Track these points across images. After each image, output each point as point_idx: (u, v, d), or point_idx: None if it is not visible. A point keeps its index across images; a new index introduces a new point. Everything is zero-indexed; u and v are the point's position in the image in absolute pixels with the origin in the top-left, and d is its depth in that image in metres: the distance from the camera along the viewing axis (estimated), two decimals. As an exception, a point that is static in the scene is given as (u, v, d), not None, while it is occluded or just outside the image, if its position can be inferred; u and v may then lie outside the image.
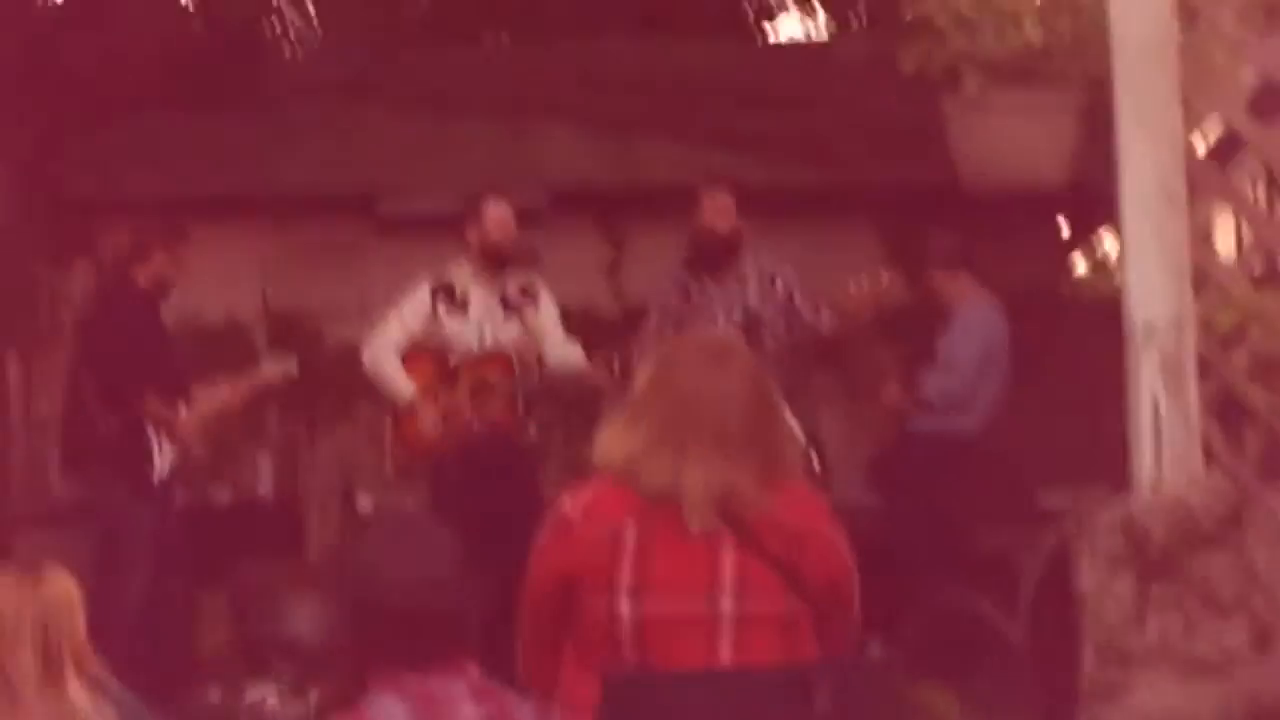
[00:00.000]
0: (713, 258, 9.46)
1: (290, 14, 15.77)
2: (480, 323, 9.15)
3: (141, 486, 9.13)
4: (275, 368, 9.85)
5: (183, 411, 9.25)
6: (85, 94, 11.40)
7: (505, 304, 9.16)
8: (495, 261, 9.20)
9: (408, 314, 9.25)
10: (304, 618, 8.99)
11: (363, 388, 11.61)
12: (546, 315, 9.27)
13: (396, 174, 12.81)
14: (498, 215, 9.29)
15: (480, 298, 9.18)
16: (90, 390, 9.22)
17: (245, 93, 12.88)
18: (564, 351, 9.14)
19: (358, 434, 12.58)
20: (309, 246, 12.78)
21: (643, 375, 4.26)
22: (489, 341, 9.10)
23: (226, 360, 11.92)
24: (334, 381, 12.54)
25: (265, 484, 12.35)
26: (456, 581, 3.67)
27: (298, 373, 9.86)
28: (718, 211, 9.46)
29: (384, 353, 9.16)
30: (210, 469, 12.48)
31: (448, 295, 9.22)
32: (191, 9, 13.74)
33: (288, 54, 15.50)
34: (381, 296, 10.18)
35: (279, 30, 15.72)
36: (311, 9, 15.98)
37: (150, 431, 9.11)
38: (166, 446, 9.17)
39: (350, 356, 12.54)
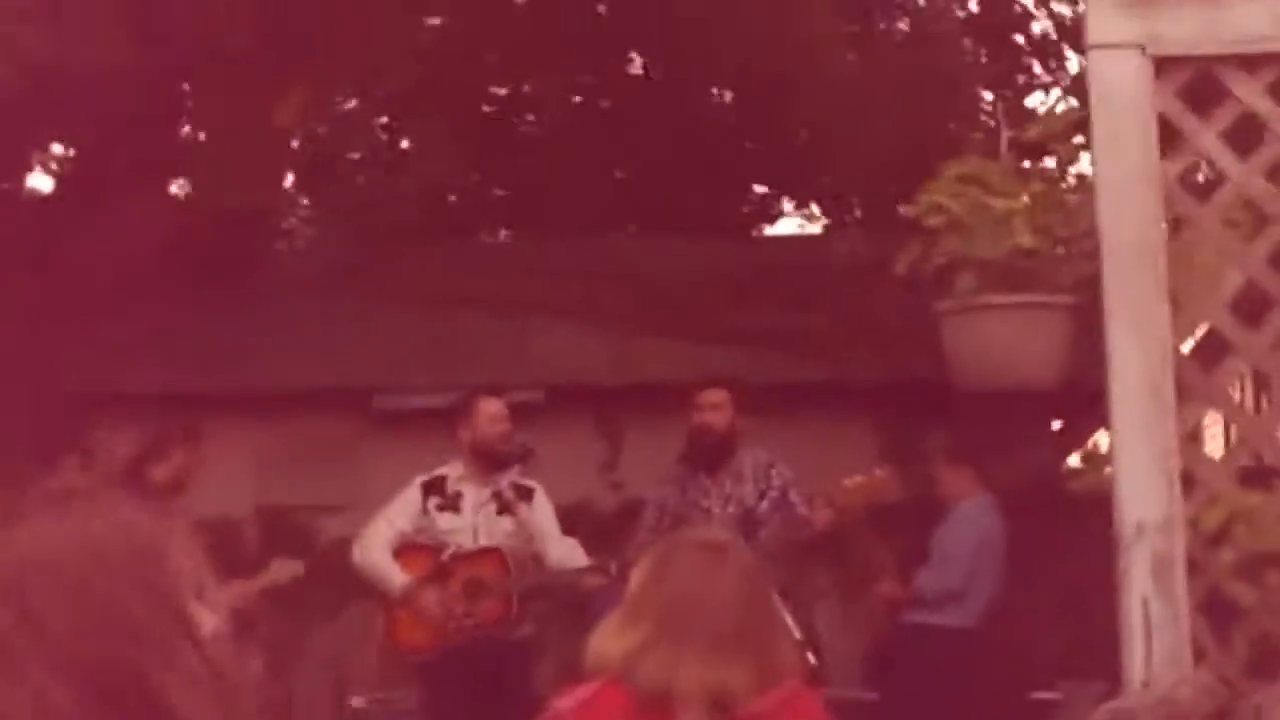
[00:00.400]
0: (709, 455, 9.55)
1: (290, 209, 16.03)
2: (473, 520, 9.15)
3: None
4: (284, 569, 9.93)
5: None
6: (82, 287, 11.53)
7: (499, 501, 9.16)
8: (488, 459, 9.22)
9: (395, 512, 9.24)
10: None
11: (355, 585, 11.72)
12: (542, 513, 9.23)
13: (394, 369, 12.94)
14: (490, 412, 9.34)
15: (472, 495, 9.19)
16: None
17: (242, 287, 13.04)
18: (563, 550, 9.13)
19: (350, 632, 12.63)
20: (304, 441, 12.89)
21: (639, 574, 4.35)
22: (482, 539, 9.10)
23: (220, 558, 12.04)
24: (326, 578, 12.63)
25: (256, 682, 12.37)
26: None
27: (303, 574, 9.92)
28: (714, 409, 9.57)
29: (374, 548, 9.17)
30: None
31: (439, 492, 9.24)
32: (189, 201, 13.94)
33: (286, 249, 15.74)
34: (376, 492, 10.25)
35: (278, 225, 15.97)
36: (310, 204, 16.25)
37: None
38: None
39: (343, 552, 12.67)
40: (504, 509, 9.11)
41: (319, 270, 13.98)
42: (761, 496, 9.44)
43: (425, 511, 9.17)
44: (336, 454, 12.96)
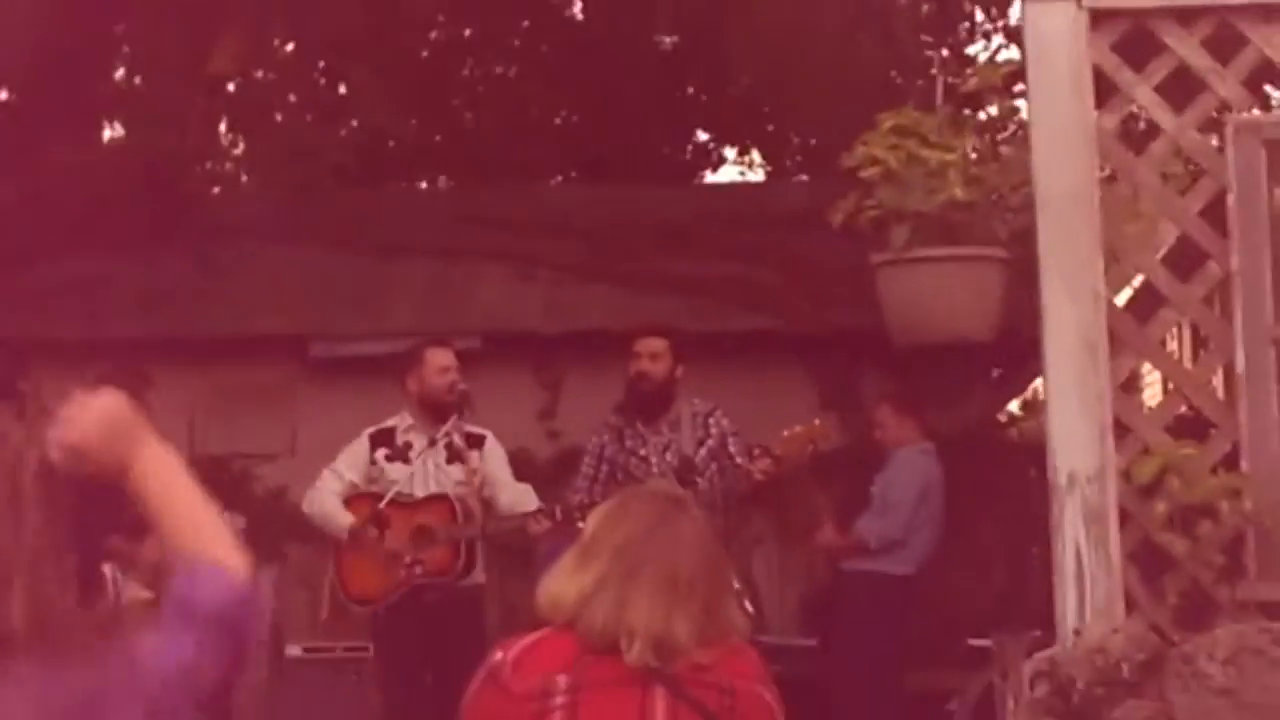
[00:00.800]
0: (647, 403, 9.61)
1: (225, 154, 16.02)
2: (423, 469, 9.19)
3: None
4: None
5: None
6: (9, 235, 11.52)
7: (449, 449, 9.20)
8: (435, 409, 9.26)
9: (343, 464, 9.26)
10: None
11: (293, 531, 11.76)
12: (493, 460, 9.27)
13: (330, 316, 12.94)
14: (438, 363, 9.36)
15: (421, 444, 9.22)
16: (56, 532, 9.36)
17: (177, 233, 13.03)
18: (513, 495, 9.18)
19: (287, 578, 12.68)
20: (240, 389, 12.91)
21: (594, 519, 4.42)
22: (433, 487, 9.14)
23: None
24: (263, 527, 12.68)
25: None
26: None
27: (244, 526, 9.94)
28: (653, 358, 9.62)
29: (323, 495, 9.19)
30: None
31: (387, 443, 9.28)
32: (122, 146, 13.93)
33: (221, 194, 15.73)
34: (313, 440, 10.29)
35: (213, 170, 15.96)
36: (246, 149, 16.22)
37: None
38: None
39: (280, 499, 12.71)
40: (454, 457, 9.16)
41: (254, 216, 13.98)
42: (700, 445, 9.51)
43: (374, 462, 9.21)
44: (273, 401, 12.98)
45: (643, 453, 9.58)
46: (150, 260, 12.86)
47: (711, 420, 9.56)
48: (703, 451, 9.47)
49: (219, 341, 12.82)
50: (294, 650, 11.46)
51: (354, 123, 16.14)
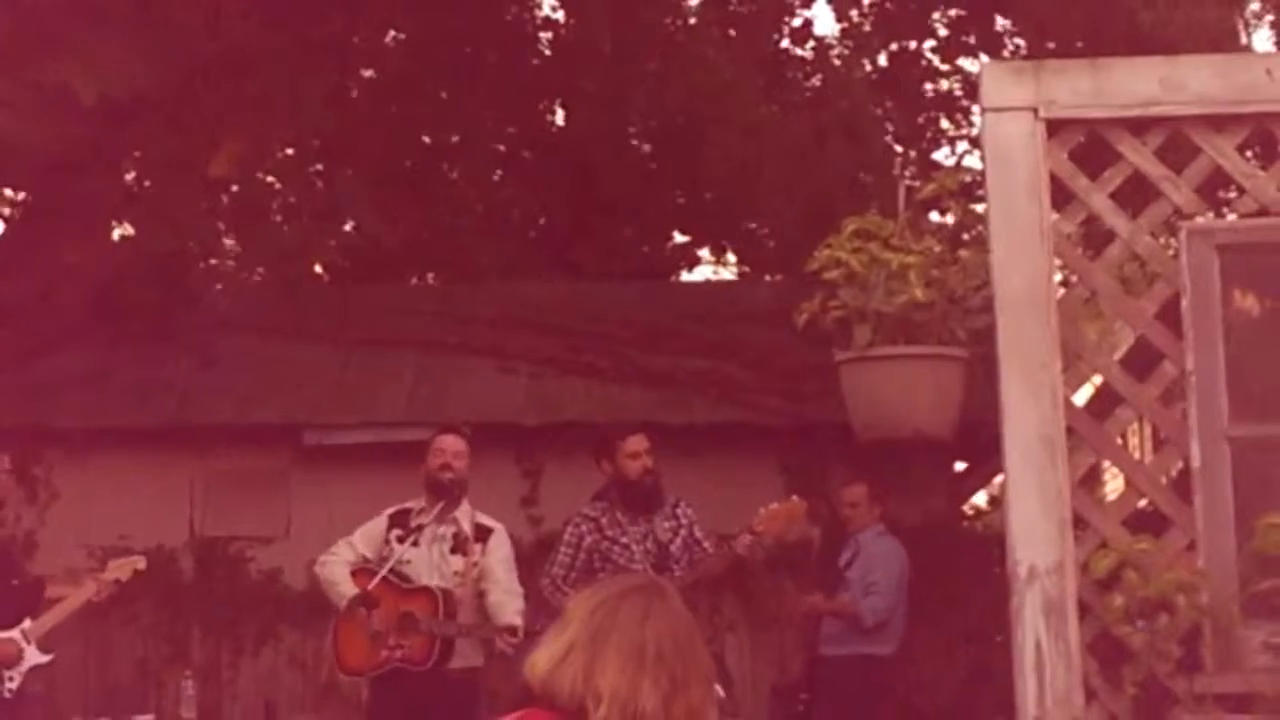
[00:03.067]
0: (630, 497, 9.43)
1: (224, 252, 15.90)
2: (428, 555, 9.05)
3: None
4: (121, 567, 9.71)
5: (23, 626, 9.18)
6: (20, 329, 11.41)
7: (455, 539, 9.05)
8: (430, 490, 9.12)
9: (359, 537, 9.16)
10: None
11: (286, 612, 11.55)
12: (495, 555, 9.07)
13: (322, 407, 12.86)
14: (437, 446, 9.21)
15: (432, 530, 9.07)
16: None
17: (178, 327, 12.94)
18: (499, 597, 8.98)
19: (280, 658, 12.51)
20: (237, 475, 12.79)
21: (570, 600, 4.28)
22: (435, 576, 8.99)
23: (157, 585, 11.93)
24: (257, 606, 12.51)
25: (189, 707, 12.20)
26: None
27: (145, 566, 9.70)
28: (648, 454, 9.44)
29: (334, 562, 9.07)
30: (135, 692, 12.40)
31: (402, 524, 9.14)
32: (127, 244, 13.80)
33: (220, 290, 15.59)
34: (306, 524, 10.16)
35: (213, 267, 15.81)
36: (243, 247, 16.11)
37: None
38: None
39: (274, 581, 12.55)
40: (458, 548, 9.00)
41: (251, 311, 13.89)
42: (674, 534, 9.33)
43: (387, 541, 9.05)
44: (268, 487, 12.86)
45: (624, 540, 9.38)
46: (152, 353, 12.76)
47: (679, 510, 9.37)
48: (678, 540, 9.27)
49: (217, 430, 12.73)
50: (286, 727, 11.30)
51: (347, 226, 16.02)
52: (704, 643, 4.29)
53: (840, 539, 10.60)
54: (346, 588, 8.92)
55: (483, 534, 9.07)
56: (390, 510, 9.16)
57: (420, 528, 9.00)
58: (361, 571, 8.99)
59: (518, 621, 8.71)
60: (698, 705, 4.14)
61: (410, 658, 8.79)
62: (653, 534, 9.29)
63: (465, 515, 9.06)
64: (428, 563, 8.97)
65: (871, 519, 10.52)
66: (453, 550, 9.01)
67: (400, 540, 9.03)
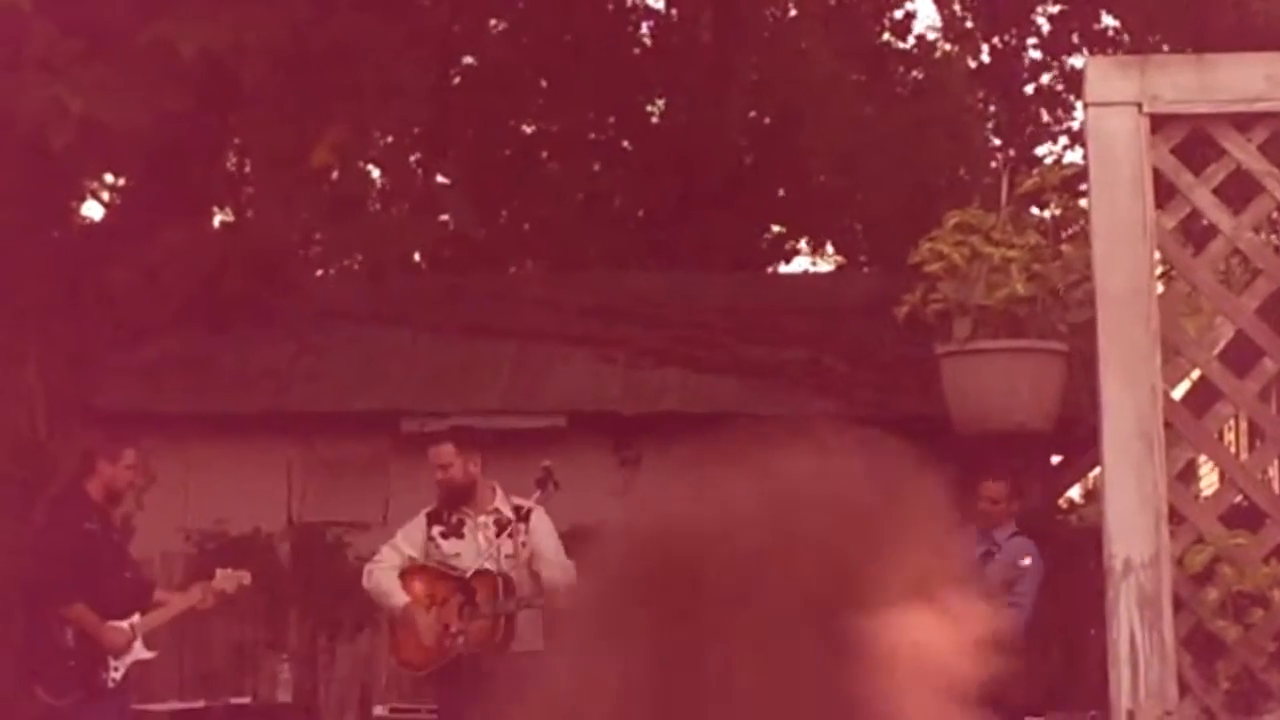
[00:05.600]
0: None
1: (324, 240, 16.06)
2: (474, 544, 9.18)
3: (97, 692, 9.24)
4: (228, 580, 9.91)
5: (133, 620, 9.38)
6: (123, 313, 11.59)
7: (498, 524, 9.18)
8: (450, 500, 9.32)
9: (402, 539, 9.31)
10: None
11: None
12: (538, 533, 9.22)
13: (421, 395, 12.99)
14: (431, 460, 9.42)
15: (472, 520, 9.22)
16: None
17: (279, 314, 13.09)
18: (552, 572, 9.11)
19: (376, 642, 12.68)
20: (335, 462, 12.95)
21: None
22: (486, 561, 9.12)
23: (254, 572, 12.13)
24: (354, 591, 12.68)
25: (284, 691, 12.42)
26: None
27: (249, 583, 9.90)
28: None
29: (381, 572, 9.23)
30: (231, 676, 12.61)
31: (441, 520, 9.28)
32: (229, 231, 14.00)
33: (321, 277, 15.79)
34: (403, 511, 10.28)
35: (314, 255, 16.01)
36: (344, 235, 16.26)
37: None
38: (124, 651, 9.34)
39: (370, 569, 12.72)
40: (501, 530, 9.14)
41: (351, 300, 14.05)
42: None
43: (430, 539, 9.23)
44: (366, 474, 13.01)
45: None
46: (253, 340, 12.93)
47: None
48: None
49: (316, 417, 12.89)
50: (380, 711, 11.44)
51: (444, 216, 16.18)
52: None
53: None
54: (398, 597, 9.11)
55: (523, 515, 9.21)
56: (427, 509, 9.33)
57: (461, 521, 9.17)
58: (412, 570, 9.16)
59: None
60: None
61: (474, 641, 8.94)
62: None
63: (502, 502, 9.21)
64: (475, 552, 9.12)
65: (1008, 516, 10.46)
66: (497, 534, 9.16)
67: (444, 536, 9.20)
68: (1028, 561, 10.10)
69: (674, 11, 18.14)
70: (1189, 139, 6.54)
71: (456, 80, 15.74)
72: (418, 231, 14.94)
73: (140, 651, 9.45)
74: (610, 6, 17.65)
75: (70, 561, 9.24)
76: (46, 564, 9.35)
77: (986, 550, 10.31)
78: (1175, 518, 6.33)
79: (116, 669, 9.33)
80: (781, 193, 18.17)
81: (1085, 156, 6.57)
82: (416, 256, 16.35)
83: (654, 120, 18.11)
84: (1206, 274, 6.49)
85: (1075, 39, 17.25)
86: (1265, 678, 6.21)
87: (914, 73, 18.17)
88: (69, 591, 9.20)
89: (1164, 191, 6.47)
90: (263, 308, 12.87)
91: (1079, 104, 14.70)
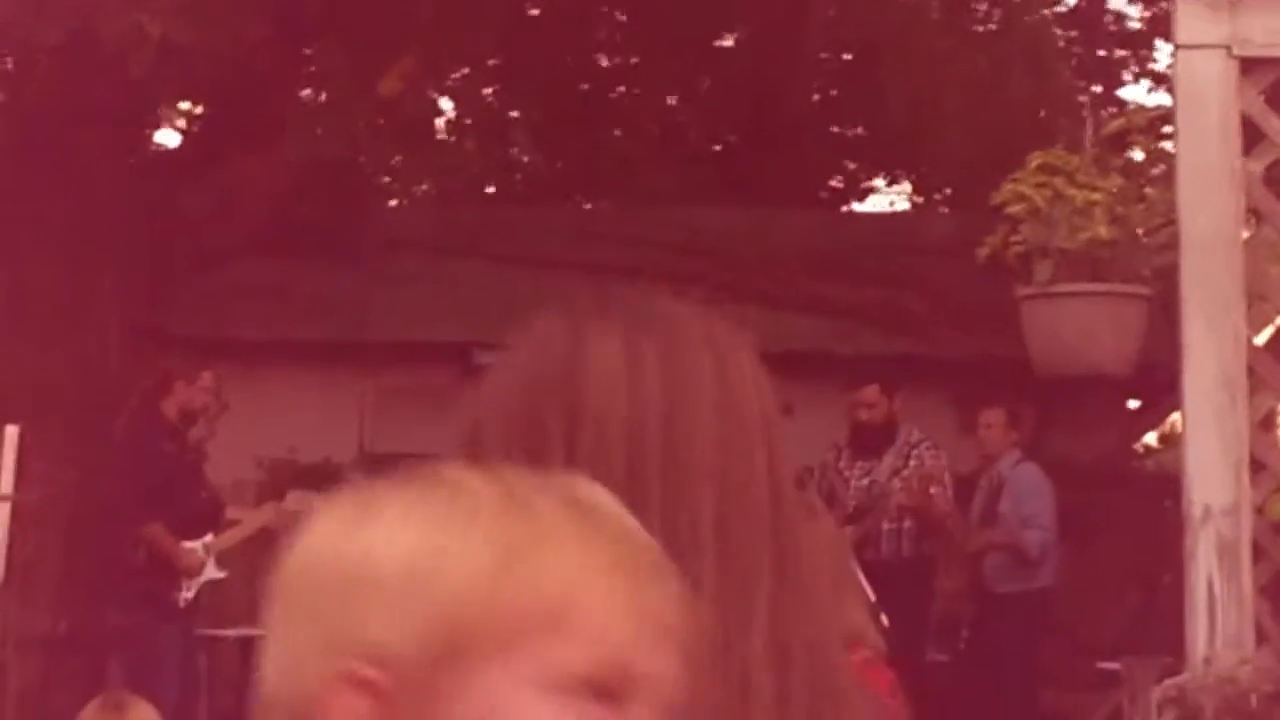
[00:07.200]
0: (868, 442, 10.17)
1: (397, 170, 16.13)
2: None
3: (167, 613, 9.35)
4: (299, 500, 10.01)
5: (206, 539, 9.49)
6: (197, 240, 11.66)
7: None
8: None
9: None
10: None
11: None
12: None
13: (491, 326, 13.03)
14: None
15: None
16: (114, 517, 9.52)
17: (349, 243, 13.17)
18: None
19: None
20: (405, 392, 13.03)
21: None
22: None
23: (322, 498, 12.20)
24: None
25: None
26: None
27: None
28: (869, 407, 10.15)
29: None
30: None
31: None
32: (303, 159, 14.05)
33: (393, 208, 15.85)
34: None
35: (386, 186, 16.07)
36: (417, 166, 16.32)
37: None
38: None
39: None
40: None
41: (423, 230, 14.10)
42: (895, 474, 9.93)
43: None
44: (437, 405, 13.07)
45: (846, 474, 10.23)
46: (326, 268, 13.00)
47: (915, 451, 10.00)
48: (896, 480, 9.95)
49: (388, 346, 12.95)
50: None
51: (515, 149, 16.21)
52: (849, 559, 4.41)
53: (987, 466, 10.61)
54: None
55: None
56: None
57: None
58: None
59: None
60: (856, 628, 4.27)
61: None
62: (874, 473, 9.88)
63: None
64: None
65: (1007, 444, 10.50)
66: None
67: None
68: (1028, 480, 10.21)
69: (753, -56, 18.05)
70: (1278, 83, 6.51)
71: (533, 13, 15.70)
72: (489, 162, 15.00)
73: (213, 571, 9.56)
74: (688, -61, 17.58)
75: (146, 481, 9.35)
76: (123, 483, 9.46)
77: (996, 485, 10.39)
78: (1256, 465, 6.33)
79: (189, 589, 9.44)
80: (859, 130, 18.11)
81: (1172, 99, 6.55)
82: (491, 190, 16.38)
83: (731, 55, 18.03)
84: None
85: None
86: (1344, 628, 6.22)
87: (995, 10, 18.05)
88: (145, 511, 9.31)
89: (1251, 136, 6.45)
90: (336, 236, 12.96)
91: (1165, 45, 14.58)
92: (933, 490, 9.85)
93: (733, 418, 1.64)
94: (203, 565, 9.46)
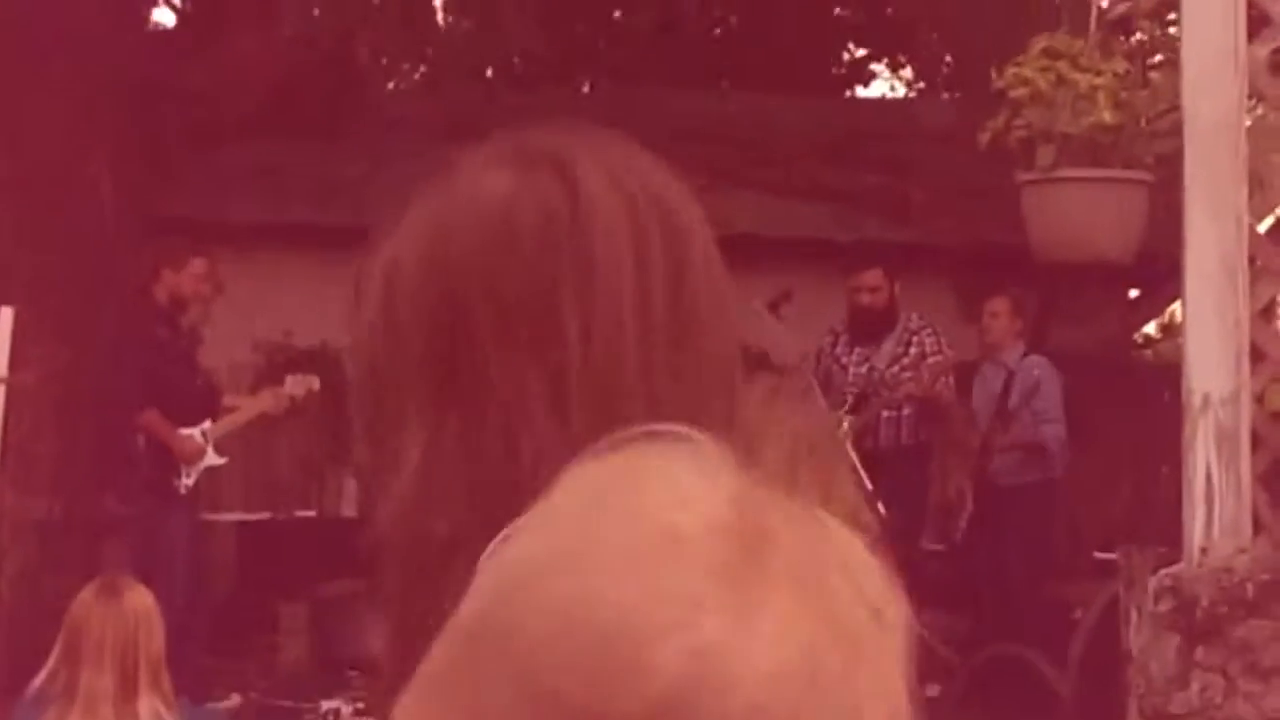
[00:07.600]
0: (868, 328, 10.18)
1: (395, 49, 16.00)
2: None
3: (168, 500, 9.36)
4: (297, 384, 9.99)
5: (204, 426, 9.48)
6: (193, 119, 11.58)
7: None
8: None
9: None
10: (382, 635, 9.11)
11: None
12: None
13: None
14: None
15: None
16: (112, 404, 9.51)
17: (347, 124, 13.08)
18: None
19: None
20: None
21: None
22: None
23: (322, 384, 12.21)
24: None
25: (349, 505, 12.53)
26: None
27: (318, 388, 9.98)
28: (872, 291, 10.19)
29: None
30: (296, 489, 12.74)
31: None
32: (303, 41, 13.95)
33: (394, 89, 15.74)
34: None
35: (387, 67, 15.95)
36: (418, 47, 16.20)
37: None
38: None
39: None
40: None
41: (422, 113, 14.00)
42: (894, 361, 9.92)
43: None
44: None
45: (844, 361, 10.17)
46: (325, 151, 12.91)
47: (915, 338, 10.01)
48: (895, 368, 9.93)
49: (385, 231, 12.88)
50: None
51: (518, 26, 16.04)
52: (840, 444, 4.40)
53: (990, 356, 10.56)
54: None
55: None
56: None
57: None
58: None
59: None
60: (849, 512, 4.26)
61: None
62: (872, 360, 9.88)
63: None
64: None
65: (1012, 333, 10.43)
66: None
67: None
68: (1037, 373, 10.19)
69: None
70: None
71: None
72: (484, 44, 14.86)
73: (211, 458, 9.56)
74: None
75: (139, 368, 9.32)
76: (116, 370, 9.43)
77: (1004, 380, 10.35)
78: (1256, 354, 6.30)
79: (188, 476, 9.44)
80: (859, 13, 17.98)
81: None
82: (489, 73, 16.23)
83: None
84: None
85: None
86: (1342, 517, 6.22)
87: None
88: (140, 398, 9.29)
89: (1257, 20, 6.40)
90: (333, 118, 12.86)
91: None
92: (940, 383, 9.91)
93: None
94: (202, 452, 9.46)
